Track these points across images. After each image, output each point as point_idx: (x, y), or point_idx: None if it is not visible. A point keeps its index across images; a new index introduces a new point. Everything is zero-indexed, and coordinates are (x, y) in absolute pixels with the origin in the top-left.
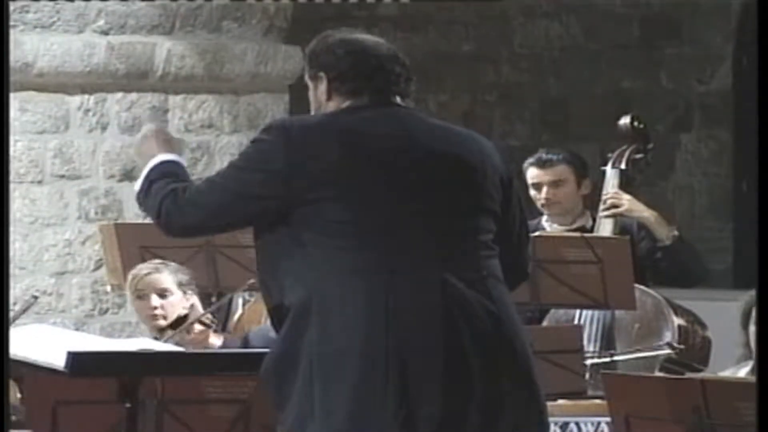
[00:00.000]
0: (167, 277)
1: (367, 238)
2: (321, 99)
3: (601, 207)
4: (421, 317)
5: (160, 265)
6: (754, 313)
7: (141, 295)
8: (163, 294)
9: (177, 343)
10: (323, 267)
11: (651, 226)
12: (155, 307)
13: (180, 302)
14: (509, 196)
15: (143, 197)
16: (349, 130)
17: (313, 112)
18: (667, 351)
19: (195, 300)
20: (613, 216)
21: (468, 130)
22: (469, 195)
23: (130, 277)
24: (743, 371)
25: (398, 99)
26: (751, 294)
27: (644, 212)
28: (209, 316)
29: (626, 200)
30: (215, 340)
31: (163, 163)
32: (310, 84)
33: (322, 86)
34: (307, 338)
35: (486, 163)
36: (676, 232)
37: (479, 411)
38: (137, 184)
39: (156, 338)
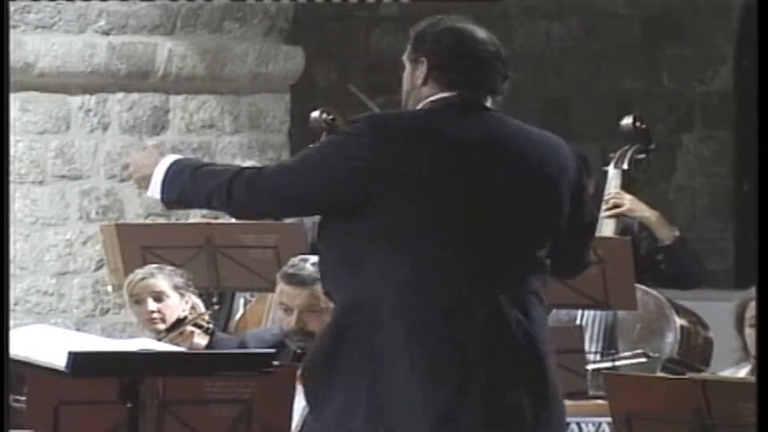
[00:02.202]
0: (162, 281)
1: (428, 250)
2: (416, 82)
3: (603, 207)
4: (469, 339)
5: (155, 270)
6: (747, 315)
7: (138, 300)
8: (159, 298)
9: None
10: (381, 271)
11: (652, 227)
12: (152, 311)
13: (178, 305)
14: (579, 202)
15: (190, 185)
16: (437, 137)
17: (404, 94)
18: (640, 360)
19: (195, 300)
20: (615, 216)
21: (547, 134)
22: (539, 217)
23: (126, 282)
24: (743, 372)
25: (490, 99)
26: (742, 296)
27: (646, 212)
28: (206, 317)
29: (628, 200)
30: (200, 341)
31: (180, 159)
32: (408, 65)
33: (420, 71)
34: (352, 336)
35: (562, 179)
36: (677, 233)
37: (510, 422)
38: (156, 182)
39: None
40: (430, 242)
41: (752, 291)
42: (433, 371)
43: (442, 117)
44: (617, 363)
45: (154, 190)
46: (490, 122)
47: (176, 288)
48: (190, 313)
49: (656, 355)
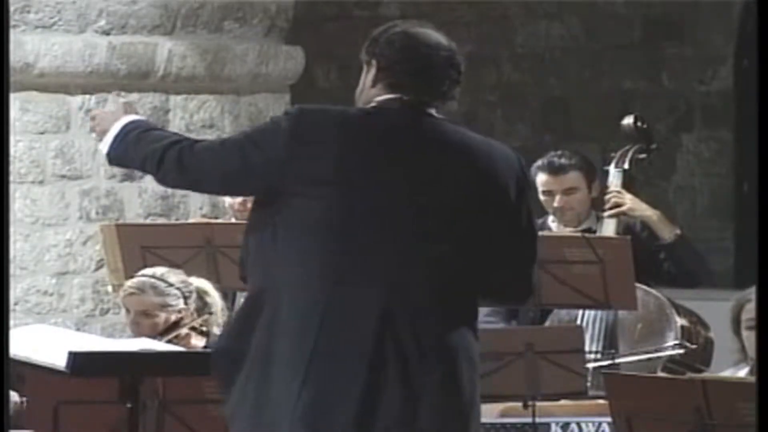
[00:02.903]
0: (148, 299)
1: (326, 247)
2: (366, 84)
3: (605, 207)
4: (352, 338)
5: (146, 285)
6: (744, 317)
7: (127, 309)
8: (145, 313)
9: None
10: (282, 263)
11: (654, 226)
12: (138, 323)
13: (164, 321)
14: (516, 214)
15: (132, 146)
16: (359, 137)
17: (356, 95)
18: (678, 351)
19: (189, 309)
20: (616, 215)
21: (491, 144)
22: (457, 225)
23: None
24: (741, 373)
25: (435, 107)
26: (737, 298)
27: (647, 212)
28: (199, 321)
29: (629, 200)
30: (197, 342)
31: (138, 120)
32: (364, 67)
33: (371, 73)
34: (256, 331)
35: (494, 188)
36: (678, 232)
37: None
38: (109, 137)
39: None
40: (329, 240)
41: (747, 292)
42: (308, 373)
43: (373, 118)
44: (653, 356)
45: (105, 144)
46: (426, 127)
47: (162, 307)
48: (184, 317)
49: (694, 346)
